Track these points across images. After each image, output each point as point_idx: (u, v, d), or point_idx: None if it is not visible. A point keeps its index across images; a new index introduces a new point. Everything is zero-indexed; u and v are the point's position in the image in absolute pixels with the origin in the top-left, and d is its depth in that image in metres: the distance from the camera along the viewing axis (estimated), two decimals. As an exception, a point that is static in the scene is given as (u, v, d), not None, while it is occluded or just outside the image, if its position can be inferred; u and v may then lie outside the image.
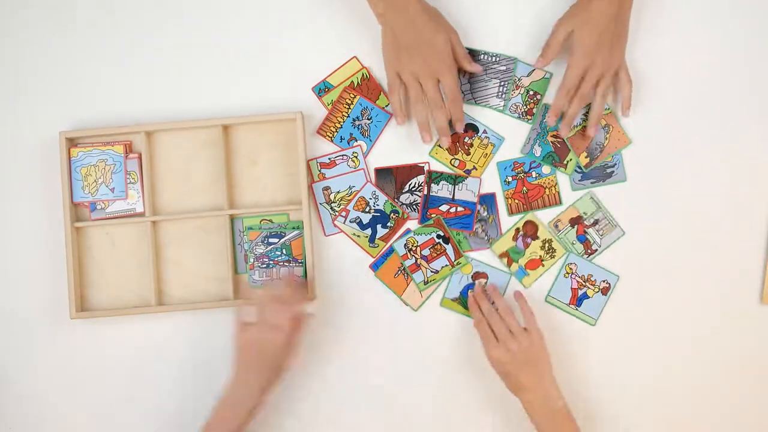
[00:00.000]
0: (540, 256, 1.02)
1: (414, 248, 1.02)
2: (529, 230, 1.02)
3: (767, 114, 1.03)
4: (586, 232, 1.02)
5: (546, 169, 1.03)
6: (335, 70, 1.03)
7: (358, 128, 1.03)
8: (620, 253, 1.02)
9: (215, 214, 1.01)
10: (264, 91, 1.03)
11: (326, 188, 1.03)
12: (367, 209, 1.02)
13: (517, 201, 1.03)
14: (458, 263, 1.01)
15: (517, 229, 1.02)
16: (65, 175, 1.00)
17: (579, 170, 1.02)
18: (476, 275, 1.02)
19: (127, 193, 1.02)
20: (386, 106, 1.03)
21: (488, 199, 1.03)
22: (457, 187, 1.02)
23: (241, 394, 0.92)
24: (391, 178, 1.03)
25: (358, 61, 1.03)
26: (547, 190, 1.03)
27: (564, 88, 0.97)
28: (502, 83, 1.03)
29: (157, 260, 1.02)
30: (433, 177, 1.02)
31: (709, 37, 1.03)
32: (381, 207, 1.02)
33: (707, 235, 1.02)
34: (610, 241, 1.02)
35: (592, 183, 1.02)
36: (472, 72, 1.00)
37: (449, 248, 1.02)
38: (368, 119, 1.03)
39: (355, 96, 1.02)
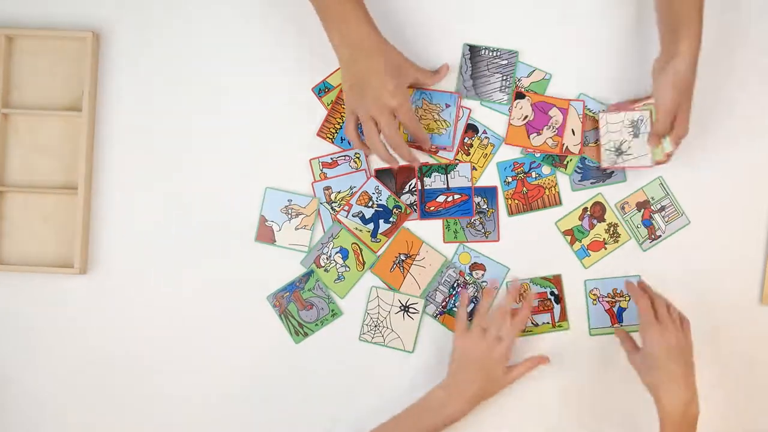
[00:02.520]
0: (604, 239, 1.02)
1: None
2: (596, 211, 1.02)
3: (767, 113, 1.03)
4: (652, 217, 1.02)
5: (546, 169, 1.03)
6: (335, 71, 1.03)
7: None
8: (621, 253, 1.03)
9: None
10: (263, 92, 1.03)
11: (327, 188, 1.03)
12: (369, 204, 1.02)
13: (517, 201, 1.03)
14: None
15: (585, 209, 1.02)
16: None
17: (579, 170, 1.03)
18: (474, 266, 1.02)
19: None
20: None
21: (489, 193, 1.03)
22: (449, 175, 1.02)
23: (450, 397, 0.94)
24: (391, 178, 1.03)
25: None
26: (547, 190, 1.03)
27: (667, 111, 0.92)
28: (505, 77, 1.03)
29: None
30: (425, 171, 1.02)
31: (706, 36, 1.03)
32: (384, 202, 1.02)
33: (707, 235, 1.02)
34: (675, 228, 1.02)
35: (592, 183, 1.02)
36: (435, 81, 1.00)
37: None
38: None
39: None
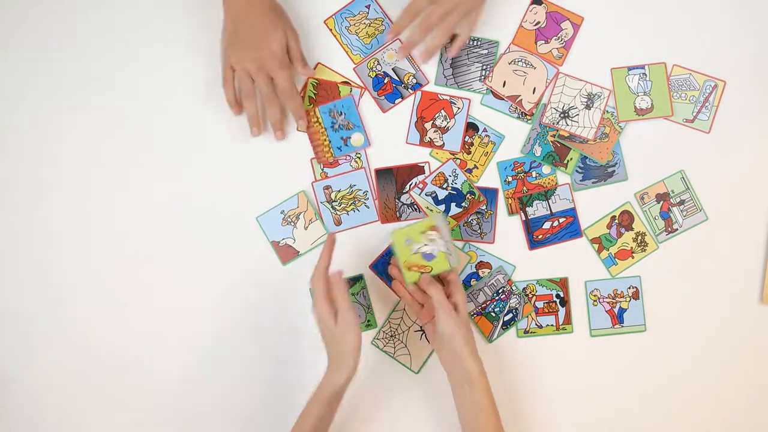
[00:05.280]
0: (631, 248, 1.02)
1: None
2: (624, 220, 1.02)
3: (767, 113, 1.03)
4: (670, 210, 1.02)
5: (546, 168, 1.03)
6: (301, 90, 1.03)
7: (341, 128, 1.02)
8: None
9: None
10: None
11: (327, 187, 1.02)
12: (444, 185, 1.01)
13: (517, 201, 1.02)
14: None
15: (613, 217, 1.02)
16: None
17: (580, 170, 1.02)
18: (480, 264, 1.02)
19: None
20: (350, 91, 1.02)
21: (490, 194, 1.03)
22: (550, 200, 1.02)
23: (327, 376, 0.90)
24: (392, 178, 1.02)
25: (356, 74, 1.03)
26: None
27: (408, 10, 0.96)
28: (485, 67, 1.02)
29: None
30: (525, 201, 1.02)
31: (707, 37, 1.03)
32: (458, 186, 1.02)
33: (707, 234, 1.02)
34: (692, 223, 1.02)
35: (593, 183, 1.02)
36: (303, 74, 0.99)
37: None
38: (340, 114, 1.02)
39: (314, 109, 1.02)
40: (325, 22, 1.04)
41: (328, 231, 1.02)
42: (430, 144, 1.02)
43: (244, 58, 0.95)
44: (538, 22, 1.03)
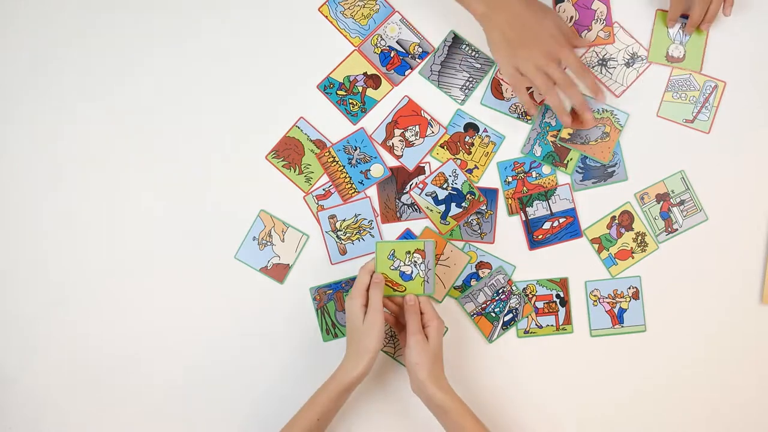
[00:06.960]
0: (631, 248, 1.02)
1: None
2: (625, 220, 1.02)
3: (767, 113, 1.03)
4: (670, 210, 1.02)
5: (546, 169, 1.03)
6: (338, 66, 1.03)
7: (359, 162, 1.02)
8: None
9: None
10: (264, 92, 1.03)
11: (332, 216, 1.02)
12: (444, 185, 1.01)
13: (517, 201, 1.02)
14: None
15: (613, 217, 1.02)
16: None
17: (580, 170, 1.02)
18: (480, 264, 1.02)
19: None
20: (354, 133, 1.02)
21: (490, 195, 1.02)
22: (550, 200, 1.02)
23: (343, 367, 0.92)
24: (392, 178, 1.02)
25: (361, 53, 1.03)
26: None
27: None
28: (471, 79, 1.03)
29: None
30: (525, 201, 1.02)
31: (707, 37, 1.03)
32: (459, 186, 1.02)
33: (707, 234, 1.02)
34: (692, 223, 1.02)
35: (593, 183, 1.02)
36: (580, 46, 1.00)
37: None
38: (355, 149, 1.02)
39: (328, 149, 1.02)
40: (319, 9, 1.04)
41: (303, 233, 1.02)
42: (389, 150, 1.02)
43: (531, 55, 0.93)
44: (571, 17, 1.03)
